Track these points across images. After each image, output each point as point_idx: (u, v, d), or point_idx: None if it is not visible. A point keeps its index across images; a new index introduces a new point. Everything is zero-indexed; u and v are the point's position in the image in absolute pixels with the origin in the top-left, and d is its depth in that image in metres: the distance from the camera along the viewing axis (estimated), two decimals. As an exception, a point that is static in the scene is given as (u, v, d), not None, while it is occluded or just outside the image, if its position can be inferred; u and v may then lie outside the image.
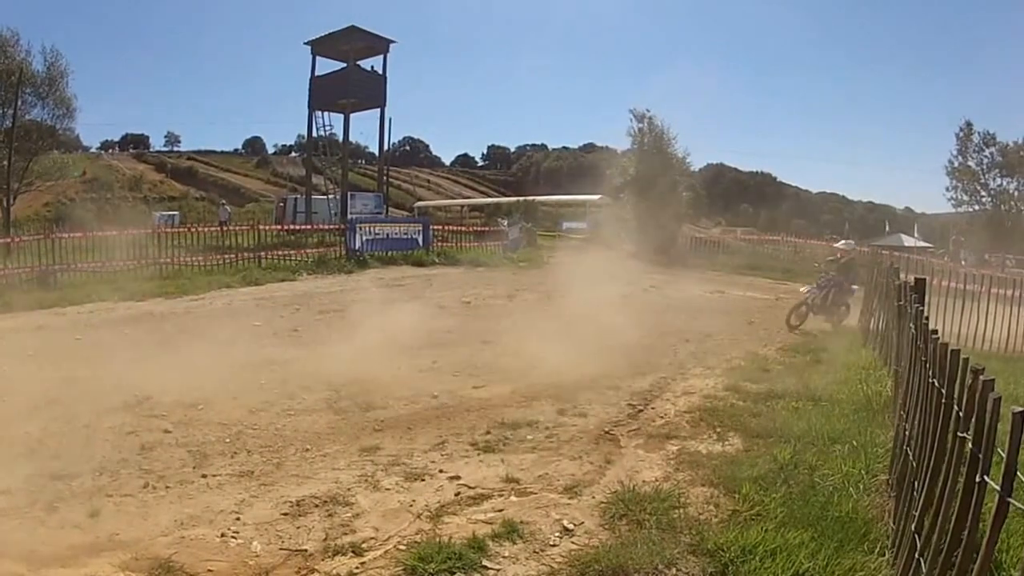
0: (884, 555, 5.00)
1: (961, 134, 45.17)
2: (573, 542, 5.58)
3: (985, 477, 3.10)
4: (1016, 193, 44.13)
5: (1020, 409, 2.76)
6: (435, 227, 35.53)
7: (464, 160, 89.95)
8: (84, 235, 23.32)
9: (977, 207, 45.07)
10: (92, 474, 6.69)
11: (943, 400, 4.01)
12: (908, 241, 51.54)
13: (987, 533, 2.92)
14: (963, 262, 34.70)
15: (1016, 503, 2.74)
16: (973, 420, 3.29)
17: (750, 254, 37.46)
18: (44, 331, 13.85)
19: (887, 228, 64.34)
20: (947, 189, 46.07)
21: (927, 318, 6.02)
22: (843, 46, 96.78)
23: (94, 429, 7.96)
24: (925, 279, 9.08)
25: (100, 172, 63.15)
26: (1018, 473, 2.76)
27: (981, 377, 3.27)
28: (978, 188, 44.78)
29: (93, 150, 70.28)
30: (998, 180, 44.54)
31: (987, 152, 44.59)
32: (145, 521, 5.75)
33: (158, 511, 5.96)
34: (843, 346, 13.62)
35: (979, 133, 44.86)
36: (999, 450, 2.94)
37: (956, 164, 45.28)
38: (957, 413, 3.65)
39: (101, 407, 8.70)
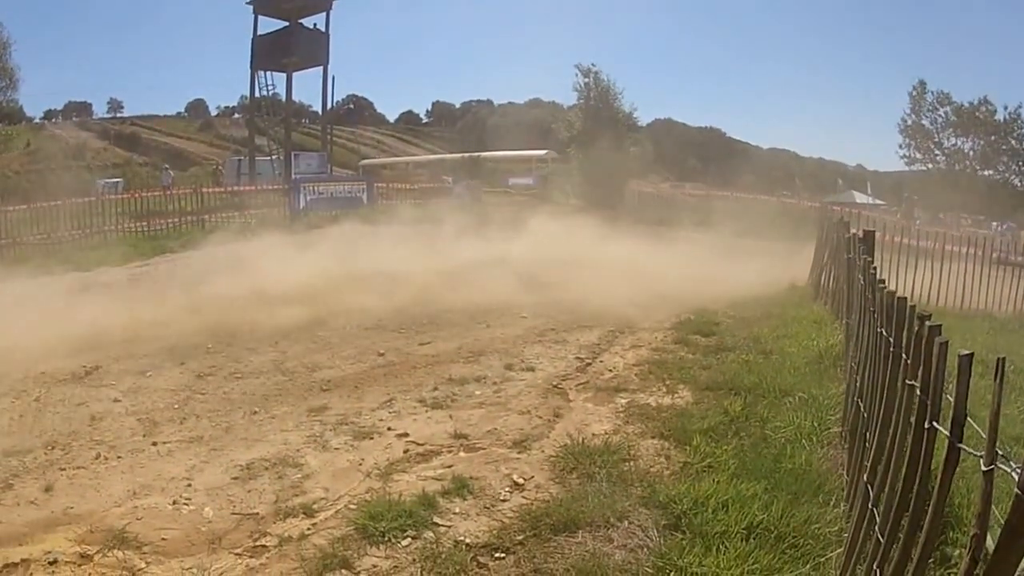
0: (839, 507, 5.03)
1: (914, 92, 45.79)
2: (524, 496, 5.59)
3: (935, 423, 3.09)
4: (971, 153, 44.86)
5: (967, 352, 2.74)
6: (379, 185, 35.32)
7: (409, 117, 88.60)
8: (29, 207, 22.94)
9: (931, 165, 45.81)
10: (44, 448, 6.61)
11: (891, 349, 4.01)
12: (861, 198, 51.44)
13: (938, 479, 2.91)
14: (917, 220, 35.10)
15: (966, 448, 2.73)
16: (920, 367, 3.29)
17: (699, 209, 37.46)
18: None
19: (839, 184, 64.31)
20: (900, 147, 46.79)
21: (876, 268, 6.04)
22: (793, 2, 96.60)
23: (44, 403, 7.84)
24: (874, 232, 9.14)
25: (44, 143, 61.82)
26: (969, 419, 2.75)
27: (928, 323, 3.26)
28: (932, 147, 45.49)
29: (37, 120, 68.64)
30: (952, 140, 45.27)
31: (941, 111, 45.29)
32: (98, 493, 5.69)
33: (110, 482, 5.90)
34: (794, 301, 13.68)
35: (932, 92, 45.59)
36: (948, 396, 2.93)
37: (909, 122, 45.91)
38: (905, 361, 3.64)
39: (51, 380, 8.62)
